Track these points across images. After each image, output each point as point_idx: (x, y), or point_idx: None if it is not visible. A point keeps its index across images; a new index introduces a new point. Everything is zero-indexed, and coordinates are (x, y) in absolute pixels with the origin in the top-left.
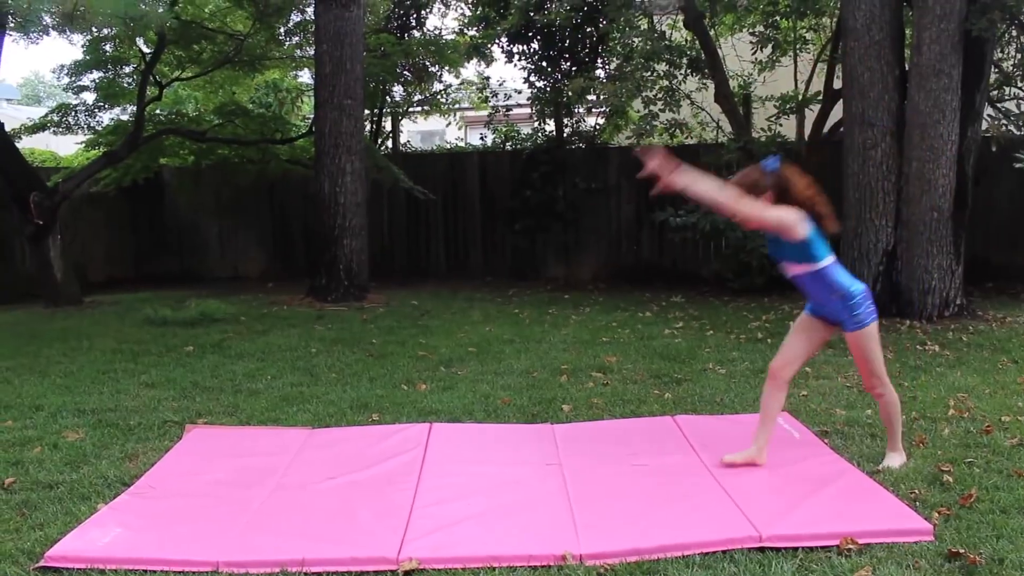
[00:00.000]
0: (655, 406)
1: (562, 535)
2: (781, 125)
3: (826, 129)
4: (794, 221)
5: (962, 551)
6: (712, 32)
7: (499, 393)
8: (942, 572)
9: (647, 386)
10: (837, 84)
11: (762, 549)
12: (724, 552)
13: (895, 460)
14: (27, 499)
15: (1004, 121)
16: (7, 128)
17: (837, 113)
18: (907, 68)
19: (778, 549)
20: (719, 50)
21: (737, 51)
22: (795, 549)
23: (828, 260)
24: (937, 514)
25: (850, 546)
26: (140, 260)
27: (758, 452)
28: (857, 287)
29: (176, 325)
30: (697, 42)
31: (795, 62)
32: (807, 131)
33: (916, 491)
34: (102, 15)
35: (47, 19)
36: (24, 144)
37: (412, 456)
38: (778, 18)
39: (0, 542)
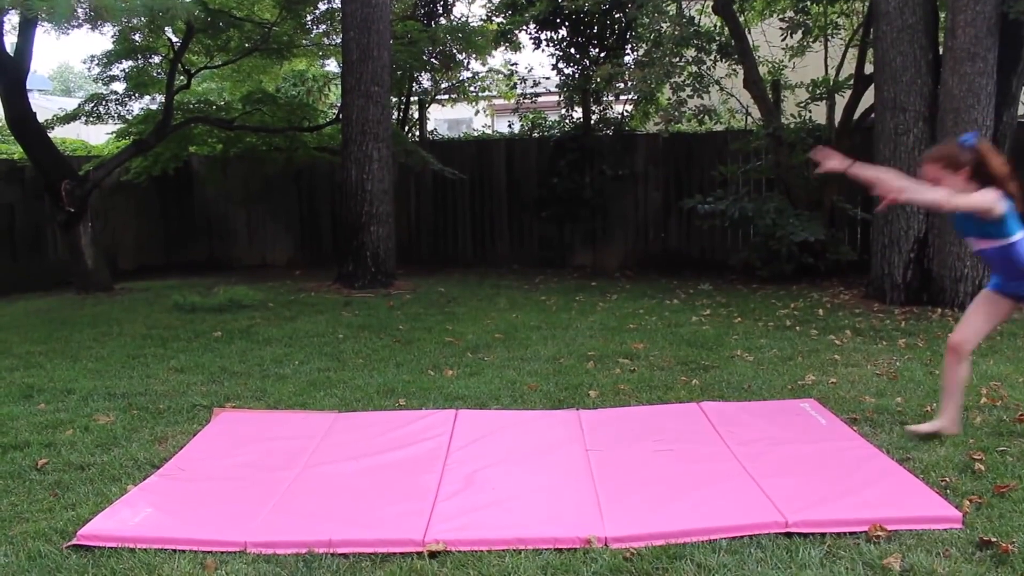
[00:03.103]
0: (682, 392)
1: (588, 519)
2: (811, 111)
3: (857, 115)
4: (994, 202)
5: (994, 539)
6: (741, 18)
7: (526, 379)
8: (973, 560)
9: (674, 373)
10: (868, 69)
11: (789, 535)
12: (751, 537)
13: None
14: (60, 480)
15: None
16: (40, 119)
17: (868, 98)
18: (940, 52)
19: (805, 535)
20: (748, 35)
21: (767, 37)
22: (822, 535)
23: (1020, 235)
24: (968, 502)
25: (879, 533)
26: (169, 248)
27: (949, 423)
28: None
29: (205, 311)
30: (726, 27)
31: (826, 47)
32: (838, 117)
33: (947, 479)
34: (131, 6)
35: (80, 12)
36: (56, 133)
37: (438, 441)
38: (809, 3)
39: (34, 521)
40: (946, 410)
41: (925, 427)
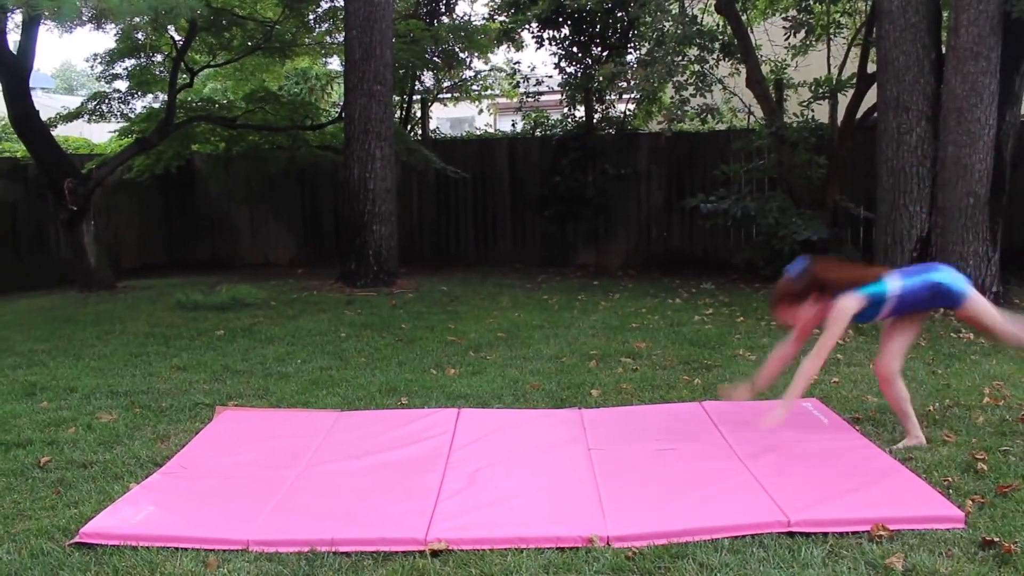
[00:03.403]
0: (684, 392)
1: (590, 518)
2: (813, 111)
3: (860, 114)
4: (852, 309)
5: (996, 539)
6: (744, 17)
7: (528, 378)
8: (975, 560)
9: (676, 372)
10: (871, 68)
11: (791, 534)
12: (753, 536)
13: None
14: (62, 477)
15: None
16: (43, 117)
17: (871, 98)
18: (943, 51)
19: (808, 534)
20: (751, 34)
21: (770, 35)
22: (825, 535)
23: (894, 285)
24: (971, 502)
25: (881, 532)
26: (172, 246)
27: (916, 439)
28: (935, 276)
29: (207, 309)
30: (729, 27)
31: (828, 46)
32: (840, 116)
33: (949, 478)
34: (135, 6)
35: (84, 11)
36: (58, 132)
37: (440, 440)
38: (811, 2)
39: (36, 519)
40: (909, 428)
41: (902, 445)
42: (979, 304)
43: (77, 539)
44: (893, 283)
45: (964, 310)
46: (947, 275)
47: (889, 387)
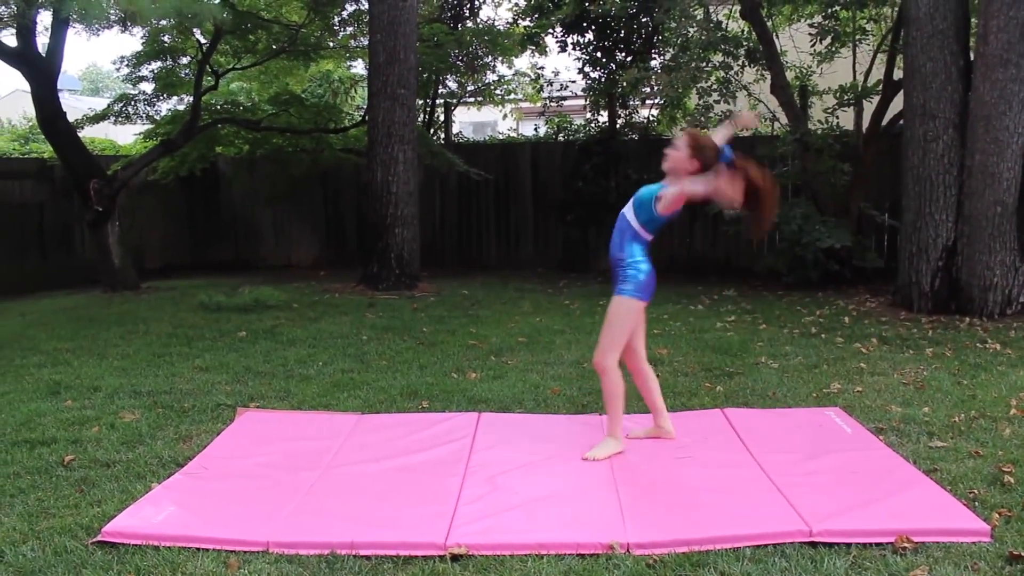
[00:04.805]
0: (706, 399)
1: (610, 525)
2: (838, 117)
3: (885, 121)
4: (677, 206)
5: (1023, 554)
6: (769, 23)
7: (549, 383)
8: (1002, 575)
9: (698, 379)
10: (898, 75)
11: (814, 544)
12: (775, 546)
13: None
14: (85, 476)
15: None
16: (70, 118)
17: (897, 105)
18: (972, 58)
19: (830, 545)
20: (776, 40)
21: (795, 42)
22: (848, 545)
23: (648, 236)
24: (997, 515)
25: (905, 544)
26: (196, 248)
27: (661, 429)
28: (644, 265)
29: (230, 311)
30: (754, 33)
31: (854, 52)
32: (865, 123)
33: (975, 491)
34: (161, 9)
35: (111, 14)
36: (85, 133)
37: (461, 444)
38: (837, 8)
39: (60, 517)
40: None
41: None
42: (626, 313)
43: (100, 538)
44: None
45: (615, 302)
46: (647, 273)
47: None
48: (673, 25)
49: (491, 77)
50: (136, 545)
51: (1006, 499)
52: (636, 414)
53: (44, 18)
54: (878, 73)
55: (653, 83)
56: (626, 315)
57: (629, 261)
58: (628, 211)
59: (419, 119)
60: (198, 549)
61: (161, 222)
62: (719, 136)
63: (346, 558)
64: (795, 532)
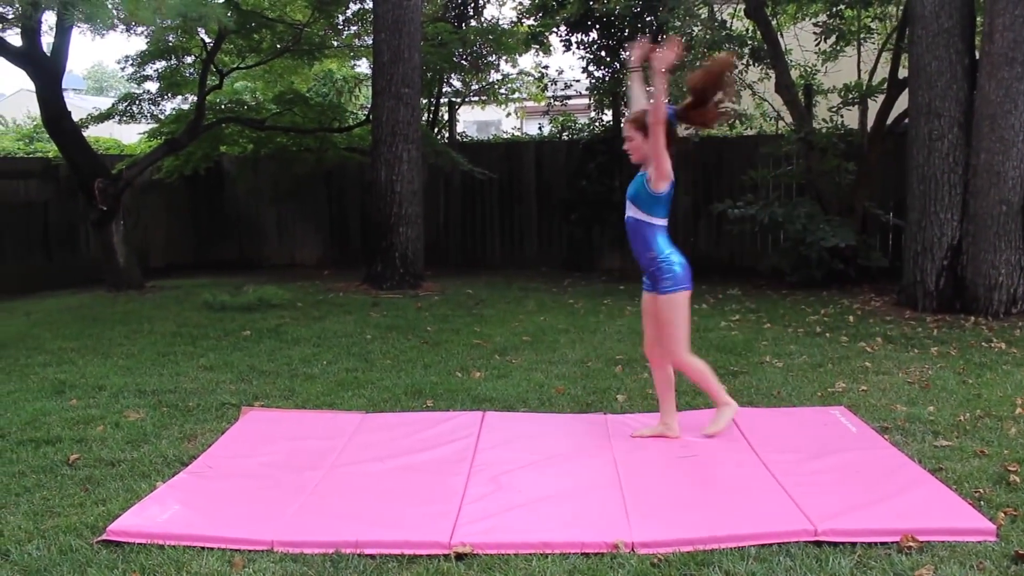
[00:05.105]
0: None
1: (614, 524)
2: (842, 116)
3: (890, 120)
4: (668, 173)
5: None
6: (774, 21)
7: (553, 382)
8: (1008, 574)
9: None
10: (902, 73)
11: (819, 544)
12: (779, 545)
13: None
14: (90, 475)
15: None
16: (74, 118)
17: (902, 104)
18: (977, 56)
19: (835, 544)
20: (781, 39)
21: (799, 40)
22: (853, 544)
23: (662, 221)
24: (1003, 514)
25: (910, 543)
26: (200, 247)
27: (666, 427)
28: (675, 256)
29: (234, 310)
30: (758, 31)
31: (859, 51)
32: (870, 122)
33: (980, 490)
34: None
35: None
36: (89, 132)
37: (465, 443)
38: (842, 7)
39: (65, 516)
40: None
41: (647, 431)
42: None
43: (105, 537)
44: (664, 220)
45: (662, 301)
46: (681, 265)
47: (654, 368)
48: (677, 24)
49: (495, 76)
50: (141, 544)
51: (1012, 498)
52: (640, 414)
53: (49, 18)
54: (883, 72)
55: None
56: (678, 310)
57: (660, 258)
58: (631, 211)
59: (423, 118)
60: (203, 548)
61: (165, 221)
62: (640, 92)
63: (351, 557)
64: (800, 531)
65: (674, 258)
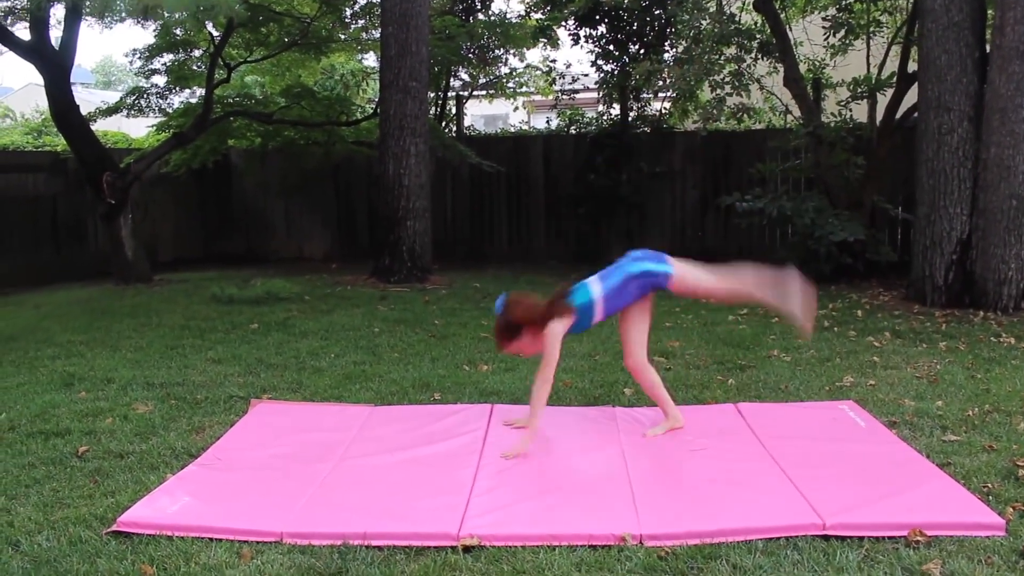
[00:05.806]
0: (718, 392)
1: (622, 516)
2: (851, 110)
3: (899, 114)
4: (559, 333)
5: None
6: (782, 15)
7: (561, 376)
8: (1016, 569)
9: (710, 372)
10: (912, 67)
11: (826, 538)
12: (787, 539)
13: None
14: (99, 467)
15: None
16: (82, 111)
17: (911, 97)
18: (987, 50)
19: (843, 538)
20: (789, 32)
21: (808, 34)
22: (861, 539)
23: (596, 290)
24: (1012, 509)
25: (918, 538)
26: (208, 240)
27: (674, 421)
28: (632, 268)
29: (242, 303)
30: (767, 25)
31: (868, 45)
32: (879, 116)
33: (989, 485)
34: (180, 3)
35: (128, 7)
36: (98, 126)
37: (473, 436)
38: (851, 1)
39: (75, 507)
40: (667, 412)
41: (661, 428)
42: (687, 275)
43: (114, 528)
44: (595, 288)
45: (675, 286)
46: (643, 264)
47: (641, 377)
48: (686, 17)
49: (503, 70)
50: (150, 535)
51: (1020, 493)
52: (648, 408)
53: (57, 11)
54: (892, 65)
55: (666, 76)
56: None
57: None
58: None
59: (431, 112)
60: (212, 539)
61: (173, 215)
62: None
63: (359, 549)
64: (808, 525)
65: (638, 268)
